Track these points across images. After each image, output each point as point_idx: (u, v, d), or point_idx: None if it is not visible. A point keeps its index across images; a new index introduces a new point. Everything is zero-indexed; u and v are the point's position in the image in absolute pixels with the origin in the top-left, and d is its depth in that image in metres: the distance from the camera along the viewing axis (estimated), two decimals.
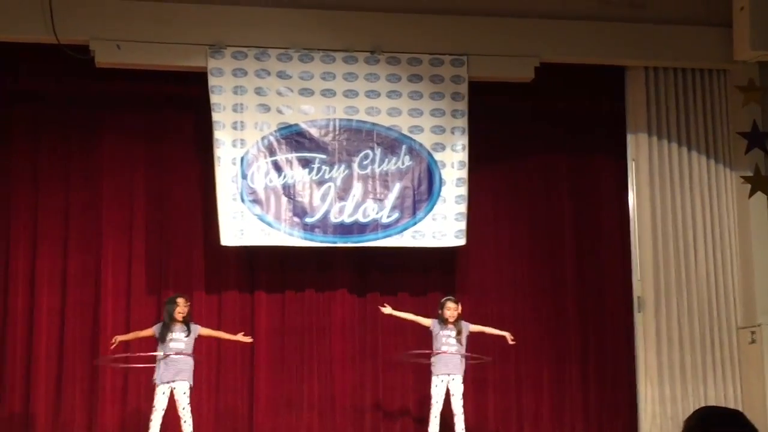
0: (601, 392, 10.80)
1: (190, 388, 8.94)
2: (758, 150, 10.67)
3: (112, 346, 9.12)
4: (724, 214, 10.61)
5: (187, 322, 9.04)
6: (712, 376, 10.30)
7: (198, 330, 9.13)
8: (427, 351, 9.40)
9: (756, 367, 10.19)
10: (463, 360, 9.32)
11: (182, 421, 8.90)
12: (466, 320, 9.46)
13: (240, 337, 9.39)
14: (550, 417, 10.73)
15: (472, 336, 9.48)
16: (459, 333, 9.31)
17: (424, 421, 9.42)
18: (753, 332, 10.25)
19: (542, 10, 10.46)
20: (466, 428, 9.22)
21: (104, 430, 9.93)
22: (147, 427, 8.87)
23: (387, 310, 9.58)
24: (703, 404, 10.11)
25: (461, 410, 9.20)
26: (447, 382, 9.23)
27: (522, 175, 11.03)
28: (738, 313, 10.48)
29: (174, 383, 8.85)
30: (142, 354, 9.12)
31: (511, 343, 9.51)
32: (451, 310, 9.35)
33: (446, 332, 9.31)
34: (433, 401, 9.23)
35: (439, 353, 9.25)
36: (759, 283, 10.43)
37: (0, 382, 9.85)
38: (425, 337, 9.54)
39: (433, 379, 9.28)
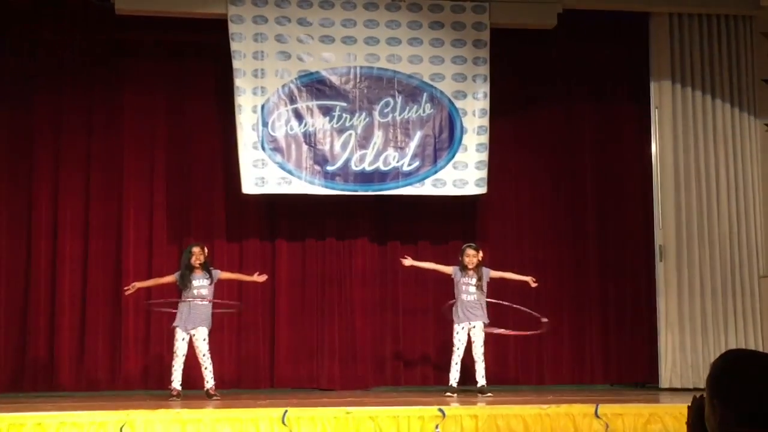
0: (621, 341, 10.82)
1: (209, 333, 9.02)
2: None
3: (128, 292, 9.20)
4: (747, 162, 10.51)
5: (207, 268, 9.11)
6: (733, 325, 10.27)
7: (219, 275, 9.21)
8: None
9: None
10: (485, 307, 9.34)
11: (203, 368, 8.98)
12: (486, 267, 9.46)
13: (255, 277, 9.45)
14: (570, 365, 10.78)
15: (493, 282, 9.48)
16: (479, 280, 9.31)
17: (445, 368, 9.47)
18: None
19: None
20: (486, 375, 9.26)
21: (127, 375, 10.05)
22: (169, 373, 8.97)
23: (408, 261, 9.59)
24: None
25: (482, 357, 9.24)
26: (468, 329, 9.26)
27: (544, 123, 10.97)
28: (760, 262, 10.43)
29: (193, 330, 8.94)
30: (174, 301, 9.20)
31: (533, 285, 9.51)
32: (470, 256, 9.35)
33: (466, 279, 9.32)
34: (454, 348, 9.27)
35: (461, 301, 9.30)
36: None
37: (25, 329, 9.95)
38: (446, 285, 9.56)
39: (455, 326, 9.31)
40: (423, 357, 10.58)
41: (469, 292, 9.32)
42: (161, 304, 9.41)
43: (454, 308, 9.34)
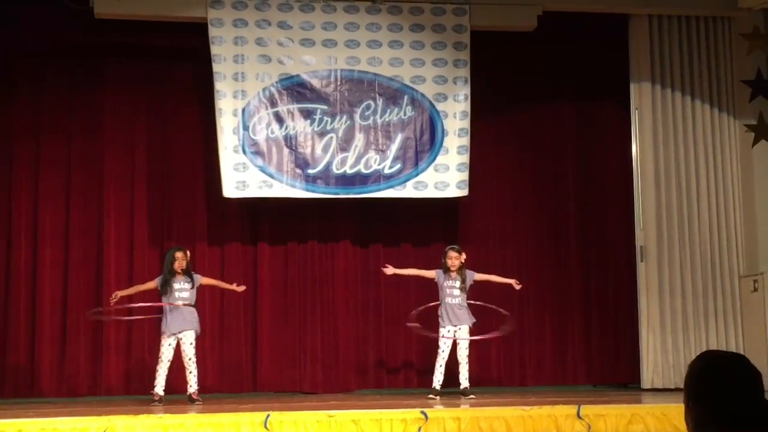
0: (603, 341, 10.86)
1: (196, 338, 8.99)
2: (762, 98, 10.60)
3: (113, 302, 9.14)
4: (727, 162, 10.57)
5: (188, 272, 9.07)
6: (714, 325, 10.32)
7: (200, 280, 9.18)
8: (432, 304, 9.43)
9: (758, 316, 10.20)
10: (469, 309, 9.33)
11: (188, 372, 8.95)
12: (470, 270, 9.46)
13: (234, 286, 9.41)
14: (552, 366, 10.80)
15: (477, 285, 9.48)
16: (463, 282, 9.31)
17: (428, 372, 9.46)
18: (755, 281, 10.26)
19: None
20: (469, 377, 9.26)
21: (108, 381, 9.99)
22: (153, 378, 8.93)
23: (389, 270, 9.56)
24: None
25: (466, 360, 9.23)
26: (454, 332, 9.26)
27: (525, 124, 10.99)
28: (740, 262, 10.48)
29: (181, 334, 8.90)
30: (147, 305, 9.15)
31: (517, 287, 9.51)
32: (453, 258, 9.34)
33: (450, 282, 9.32)
34: (439, 351, 9.25)
35: (446, 304, 9.28)
36: (761, 231, 10.42)
37: (5, 334, 9.89)
38: (429, 287, 9.55)
39: (441, 330, 9.29)
40: (405, 360, 10.57)
41: (454, 295, 9.30)
42: (140, 311, 9.33)
43: (439, 311, 9.32)
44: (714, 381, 2.65)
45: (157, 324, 9.07)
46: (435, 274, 9.41)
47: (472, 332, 9.32)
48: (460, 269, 9.35)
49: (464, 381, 9.23)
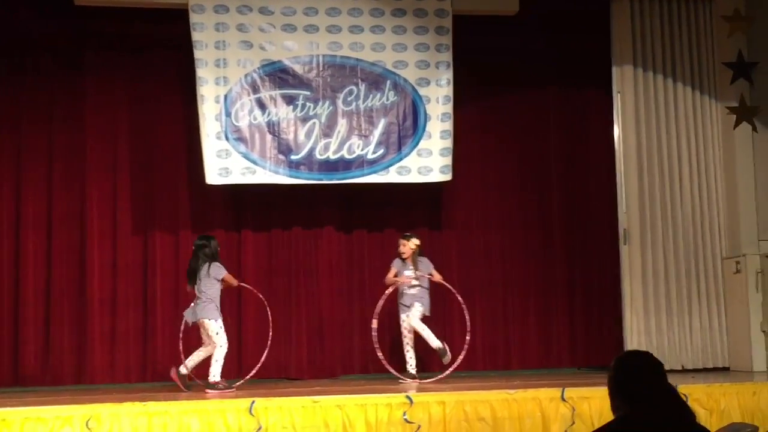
0: (587, 324, 10.91)
1: None
2: (743, 80, 10.61)
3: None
4: (709, 145, 10.61)
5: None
6: (697, 307, 10.38)
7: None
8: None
9: (740, 297, 10.26)
10: (425, 296, 9.45)
11: (199, 353, 8.91)
12: (454, 256, 9.53)
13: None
14: (537, 350, 10.85)
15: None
16: (417, 269, 9.40)
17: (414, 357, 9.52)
18: (737, 262, 10.31)
19: None
20: (453, 361, 9.31)
21: (93, 372, 9.96)
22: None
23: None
24: (688, 335, 10.24)
25: (422, 325, 9.34)
26: (407, 314, 9.42)
27: (508, 109, 11.00)
28: (723, 244, 10.53)
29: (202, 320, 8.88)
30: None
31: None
32: (402, 245, 9.56)
33: (407, 272, 9.48)
34: (402, 336, 9.50)
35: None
36: (744, 213, 10.45)
37: None
38: None
39: (401, 316, 9.54)
40: (391, 344, 10.57)
41: (411, 283, 9.43)
42: None
43: (398, 297, 9.51)
44: (622, 375, 3.54)
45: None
46: (393, 265, 9.54)
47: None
48: (413, 256, 9.41)
49: (409, 368, 9.39)
